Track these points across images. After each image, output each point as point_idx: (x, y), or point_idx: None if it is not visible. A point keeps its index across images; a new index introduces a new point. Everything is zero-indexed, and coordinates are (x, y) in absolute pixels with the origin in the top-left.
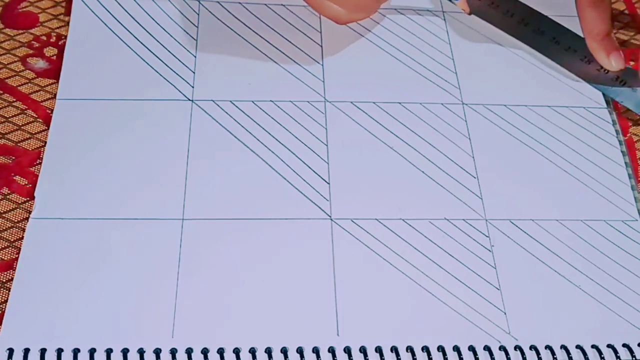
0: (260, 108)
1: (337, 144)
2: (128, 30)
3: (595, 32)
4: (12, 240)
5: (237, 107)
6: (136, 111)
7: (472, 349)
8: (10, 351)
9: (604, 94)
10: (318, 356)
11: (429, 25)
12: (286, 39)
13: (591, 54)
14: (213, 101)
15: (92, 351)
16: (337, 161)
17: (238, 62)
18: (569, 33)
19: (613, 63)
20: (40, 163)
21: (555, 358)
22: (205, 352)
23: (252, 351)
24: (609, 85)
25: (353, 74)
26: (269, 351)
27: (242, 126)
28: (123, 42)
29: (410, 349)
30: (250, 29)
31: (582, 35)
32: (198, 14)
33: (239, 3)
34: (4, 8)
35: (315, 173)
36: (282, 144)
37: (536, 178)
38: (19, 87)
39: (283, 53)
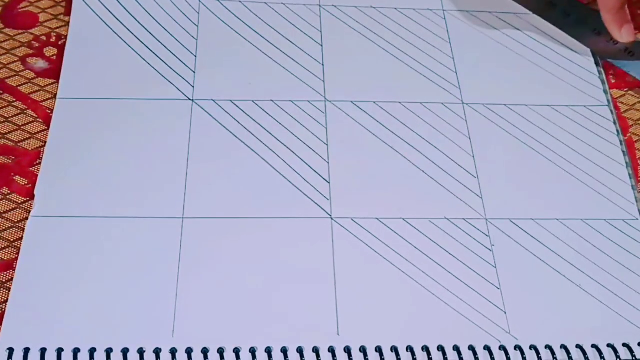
0: (261, 108)
1: (337, 143)
2: (128, 30)
3: (610, 5)
4: (12, 240)
5: (237, 106)
6: (136, 111)
7: (472, 348)
8: (10, 351)
9: (596, 60)
10: (318, 356)
11: (429, 24)
12: (286, 38)
13: (601, 26)
14: (213, 101)
15: (92, 351)
16: (337, 160)
17: (238, 61)
18: (579, 5)
19: (624, 35)
20: (40, 163)
21: (555, 358)
22: (205, 351)
23: (252, 351)
24: (618, 58)
25: (353, 74)
26: (269, 351)
27: (242, 126)
28: (123, 41)
29: (410, 349)
30: (251, 28)
31: (590, 7)
32: (198, 13)
33: (239, 2)
34: (4, 8)
35: (316, 172)
36: (282, 144)
37: (536, 178)
38: (19, 87)
39: (283, 52)
